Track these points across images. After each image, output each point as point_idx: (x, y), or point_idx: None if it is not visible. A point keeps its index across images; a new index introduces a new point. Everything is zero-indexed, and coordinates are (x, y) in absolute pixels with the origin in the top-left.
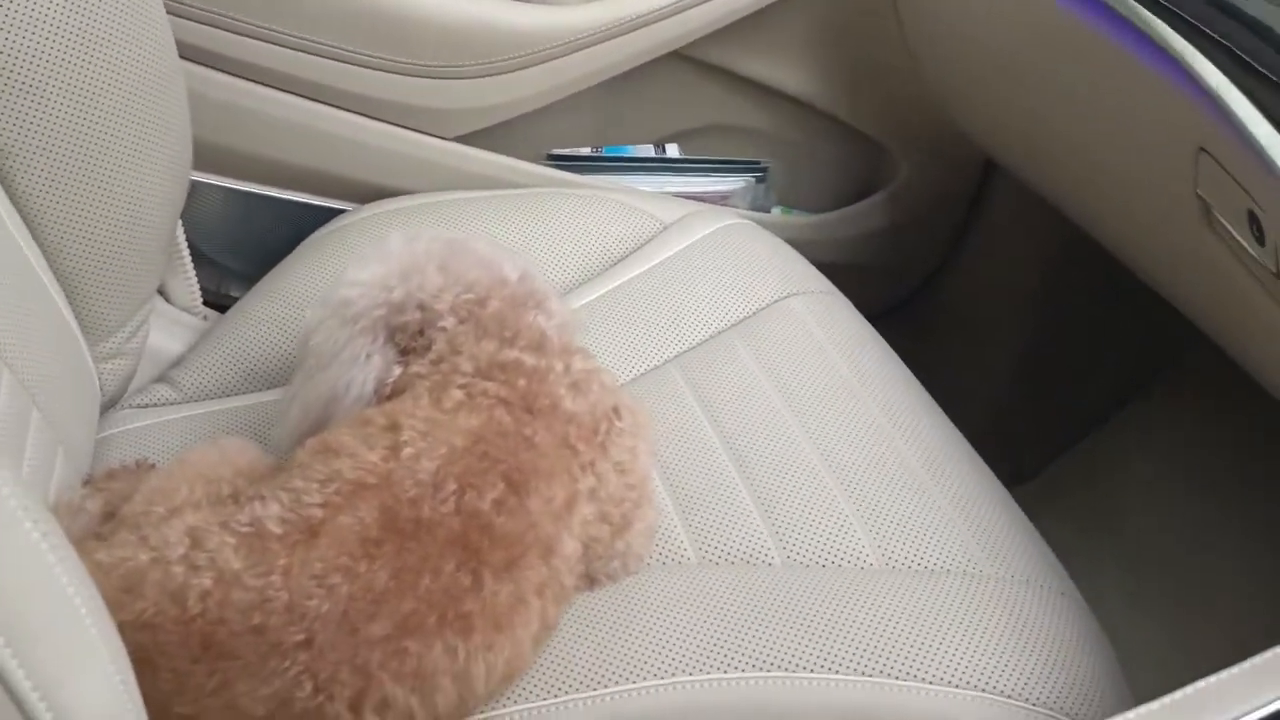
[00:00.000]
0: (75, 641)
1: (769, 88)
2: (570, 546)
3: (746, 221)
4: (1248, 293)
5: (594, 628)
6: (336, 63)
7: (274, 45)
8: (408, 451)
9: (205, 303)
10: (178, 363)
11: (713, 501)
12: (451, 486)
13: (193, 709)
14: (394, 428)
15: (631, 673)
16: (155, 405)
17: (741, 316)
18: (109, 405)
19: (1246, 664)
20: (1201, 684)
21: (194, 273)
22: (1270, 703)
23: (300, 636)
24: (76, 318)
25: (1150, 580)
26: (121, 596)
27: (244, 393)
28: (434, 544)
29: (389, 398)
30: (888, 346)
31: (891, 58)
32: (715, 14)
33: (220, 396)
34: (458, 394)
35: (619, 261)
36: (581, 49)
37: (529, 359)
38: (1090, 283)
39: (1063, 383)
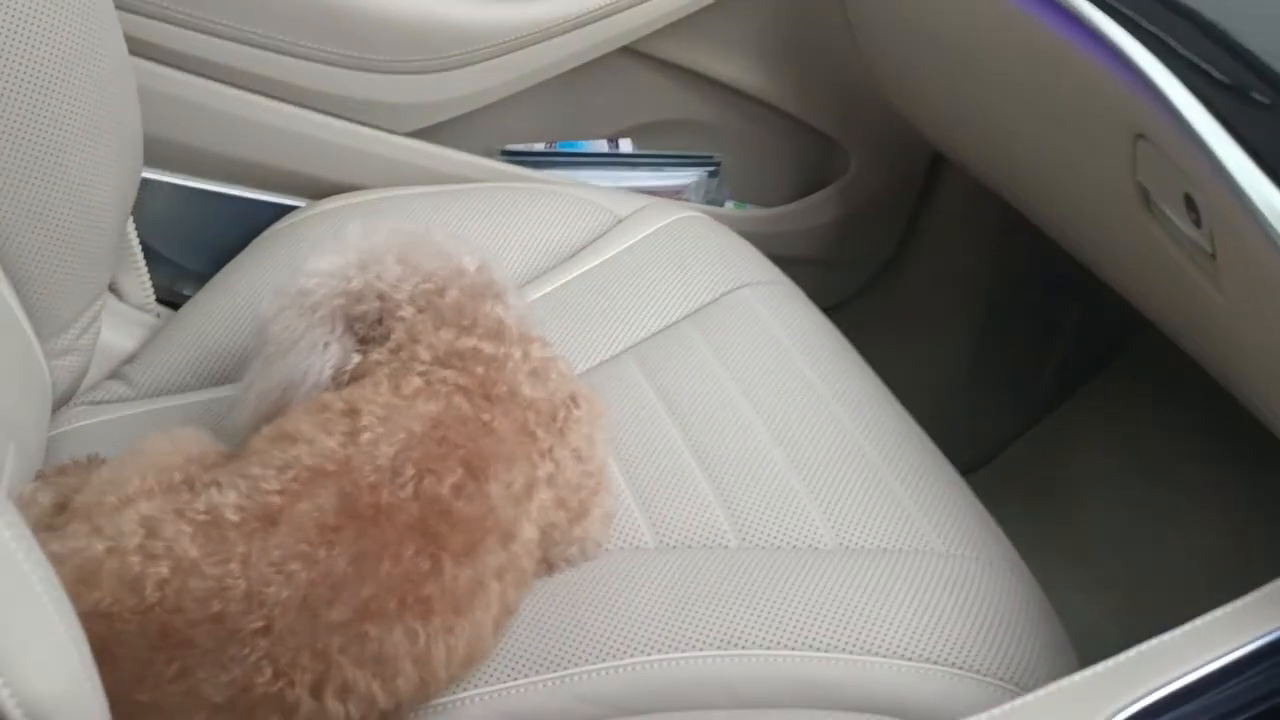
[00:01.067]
0: (33, 620)
1: (721, 83)
2: (529, 531)
3: (700, 215)
4: (1187, 276)
5: (554, 611)
6: (289, 58)
7: (225, 40)
8: (366, 437)
9: (158, 300)
10: (131, 359)
11: (670, 488)
12: (410, 472)
13: (152, 696)
14: (352, 413)
15: (592, 654)
16: (109, 402)
17: (696, 307)
18: (61, 402)
19: (1184, 628)
20: (1137, 649)
21: (146, 270)
22: (1209, 662)
23: (259, 623)
24: (27, 313)
25: (1100, 564)
26: (77, 587)
27: (198, 388)
28: (393, 529)
29: (347, 385)
30: (841, 335)
31: (840, 52)
32: (666, 9)
33: (174, 392)
34: (417, 381)
35: (574, 255)
36: (534, 44)
37: (487, 347)
38: (1038, 271)
39: (1013, 370)
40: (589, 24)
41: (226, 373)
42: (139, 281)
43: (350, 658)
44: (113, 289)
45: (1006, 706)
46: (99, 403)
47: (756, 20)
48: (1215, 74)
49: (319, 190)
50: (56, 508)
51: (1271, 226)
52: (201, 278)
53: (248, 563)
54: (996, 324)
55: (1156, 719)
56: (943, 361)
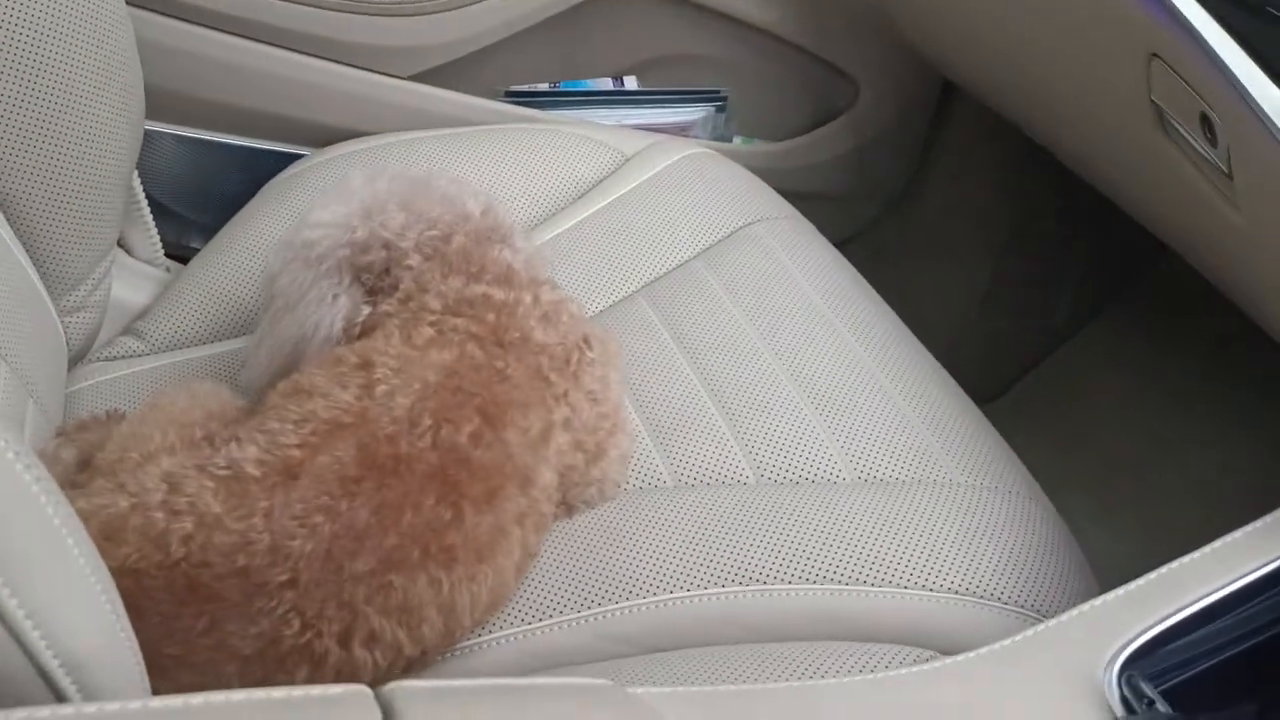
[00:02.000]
0: (67, 573)
1: (726, 15)
2: (547, 476)
3: (708, 151)
4: (1203, 196)
5: (576, 553)
6: (289, 4)
7: None
8: (381, 389)
9: (167, 254)
10: (143, 314)
11: (686, 426)
12: (427, 422)
13: (182, 650)
14: (366, 366)
15: (614, 593)
16: (123, 357)
17: (707, 244)
18: (76, 359)
19: (1206, 548)
20: (1157, 572)
21: (154, 224)
22: (1230, 583)
23: (285, 576)
24: (38, 271)
25: (1120, 490)
26: (104, 544)
27: (211, 341)
28: (413, 479)
29: (359, 338)
30: (854, 269)
31: None
32: None
33: (187, 346)
34: (428, 331)
35: (582, 195)
36: None
37: (497, 293)
38: (1052, 198)
39: (1028, 300)
40: None
41: (239, 324)
42: (147, 236)
43: (376, 607)
44: (121, 244)
45: (1029, 632)
46: (113, 358)
47: None
48: None
49: (323, 138)
50: (80, 464)
51: None
52: (209, 230)
53: (270, 516)
54: (1010, 253)
55: (1177, 640)
56: (957, 292)
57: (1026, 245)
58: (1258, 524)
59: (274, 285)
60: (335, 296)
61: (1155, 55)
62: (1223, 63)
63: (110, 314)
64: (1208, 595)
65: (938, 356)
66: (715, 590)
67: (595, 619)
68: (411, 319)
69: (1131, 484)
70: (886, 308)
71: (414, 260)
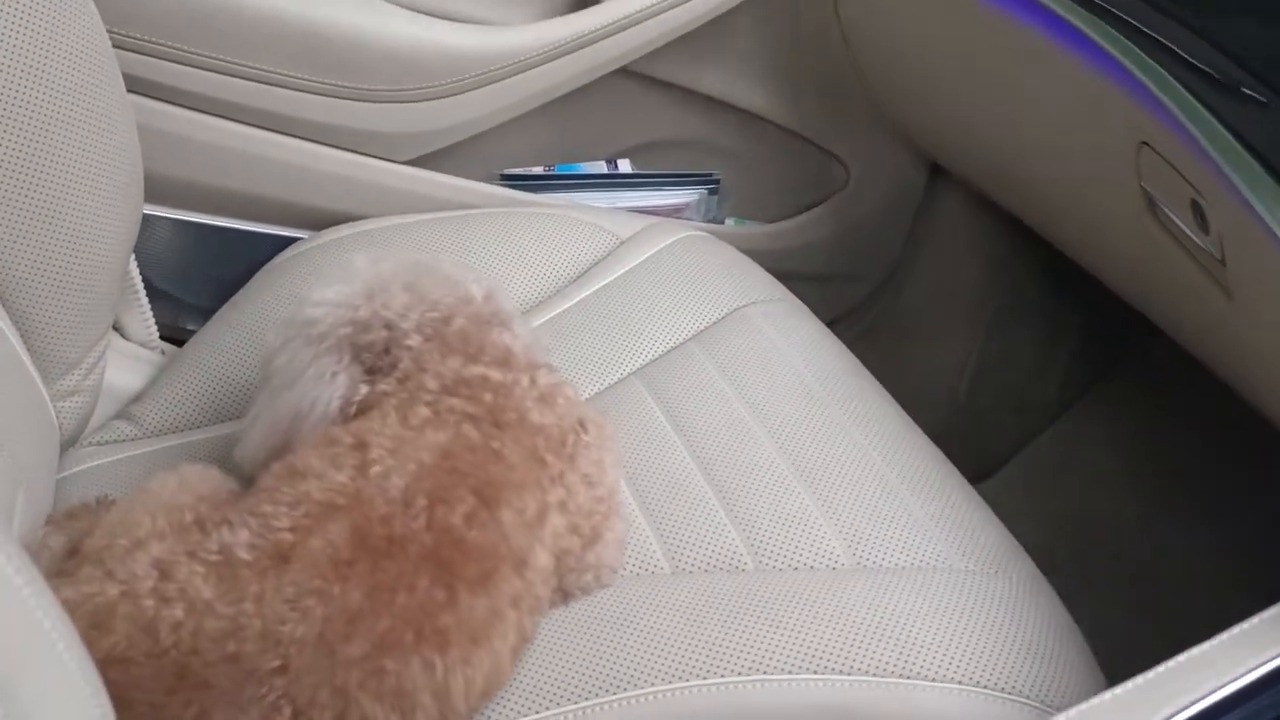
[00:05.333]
0: (55, 677)
1: (717, 100)
2: (543, 558)
3: (701, 233)
4: (1195, 281)
5: (573, 640)
6: (286, 90)
7: (222, 75)
8: (376, 470)
9: (162, 337)
10: (137, 398)
11: (683, 511)
12: (422, 502)
13: None
14: (361, 446)
15: (612, 685)
16: (116, 442)
17: (701, 327)
18: (69, 444)
19: (1216, 639)
20: (1172, 662)
21: (149, 307)
22: (1243, 674)
23: (276, 662)
24: (31, 355)
25: (1116, 571)
26: (91, 633)
27: (205, 425)
28: (407, 561)
29: (355, 417)
30: (846, 349)
31: (836, 67)
32: (658, 30)
33: (181, 430)
34: (424, 411)
35: (577, 278)
36: (529, 69)
37: (495, 374)
38: (1040, 278)
39: (1019, 378)
40: (584, 47)
41: (233, 408)
42: (142, 319)
43: (369, 693)
44: (116, 327)
45: None
46: (106, 443)
47: (751, 37)
48: (1216, 78)
49: (320, 221)
50: (68, 553)
51: None
52: (205, 313)
53: (262, 601)
54: (1000, 333)
55: None
56: (947, 372)
57: (1015, 324)
58: (1266, 614)
59: (272, 362)
60: (334, 374)
61: (1145, 143)
62: (1210, 153)
63: (104, 398)
64: (1220, 688)
65: (929, 435)
66: (715, 680)
67: (591, 711)
68: (409, 399)
69: (1124, 564)
70: (879, 388)
71: (414, 340)
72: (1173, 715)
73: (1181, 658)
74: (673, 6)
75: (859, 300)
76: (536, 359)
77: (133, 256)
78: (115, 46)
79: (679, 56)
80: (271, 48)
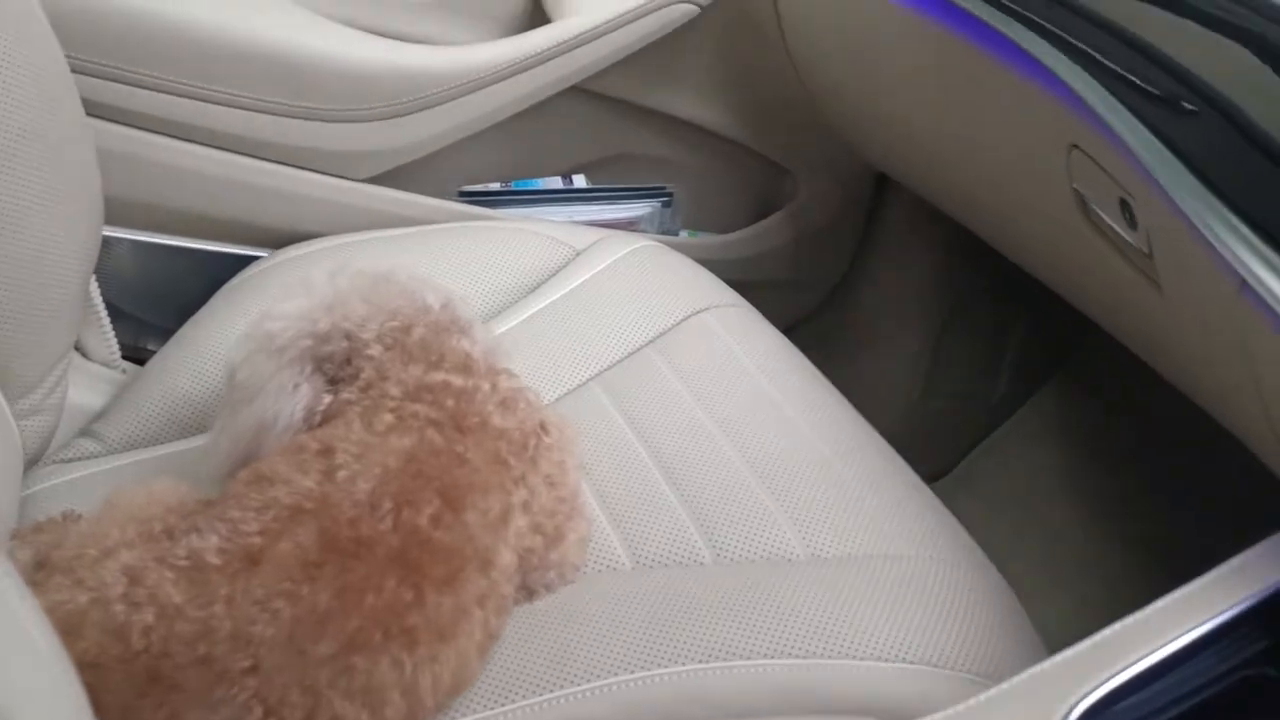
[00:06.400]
0: (35, 675)
1: (669, 116)
2: (507, 558)
3: (656, 244)
4: (1126, 276)
5: (537, 636)
6: (243, 111)
7: (180, 98)
8: (343, 474)
9: (124, 357)
10: (100, 416)
11: (643, 509)
12: (388, 505)
13: None
14: (327, 452)
15: (578, 675)
16: (79, 459)
17: (657, 333)
18: (32, 462)
19: (1145, 610)
20: (1105, 632)
21: (110, 327)
22: (1167, 643)
23: (247, 663)
24: None
25: (1065, 561)
26: (62, 639)
27: (169, 441)
28: (375, 562)
29: (319, 426)
30: (799, 352)
31: (783, 81)
32: (609, 48)
33: (145, 446)
34: (388, 417)
35: (535, 289)
36: (485, 87)
37: (456, 380)
38: (987, 281)
39: (969, 378)
40: (537, 65)
41: (196, 424)
42: (104, 339)
43: (339, 691)
44: (78, 347)
45: (981, 697)
46: (70, 460)
47: (700, 54)
48: (1143, 85)
49: (279, 240)
50: (36, 564)
51: (1203, 225)
52: (166, 332)
53: (232, 603)
54: (949, 335)
55: (1122, 701)
56: (899, 374)
57: (964, 326)
58: (1192, 585)
59: (235, 376)
60: (296, 386)
61: (1075, 146)
62: (1137, 155)
63: (67, 416)
64: (1152, 653)
65: (884, 436)
66: (677, 668)
67: (557, 702)
68: (372, 406)
69: (1075, 556)
70: (831, 388)
71: (375, 350)
72: (1100, 684)
73: (1110, 630)
74: (621, 26)
75: (812, 307)
76: (497, 364)
77: (94, 277)
78: (73, 70)
79: (630, 74)
80: (230, 70)
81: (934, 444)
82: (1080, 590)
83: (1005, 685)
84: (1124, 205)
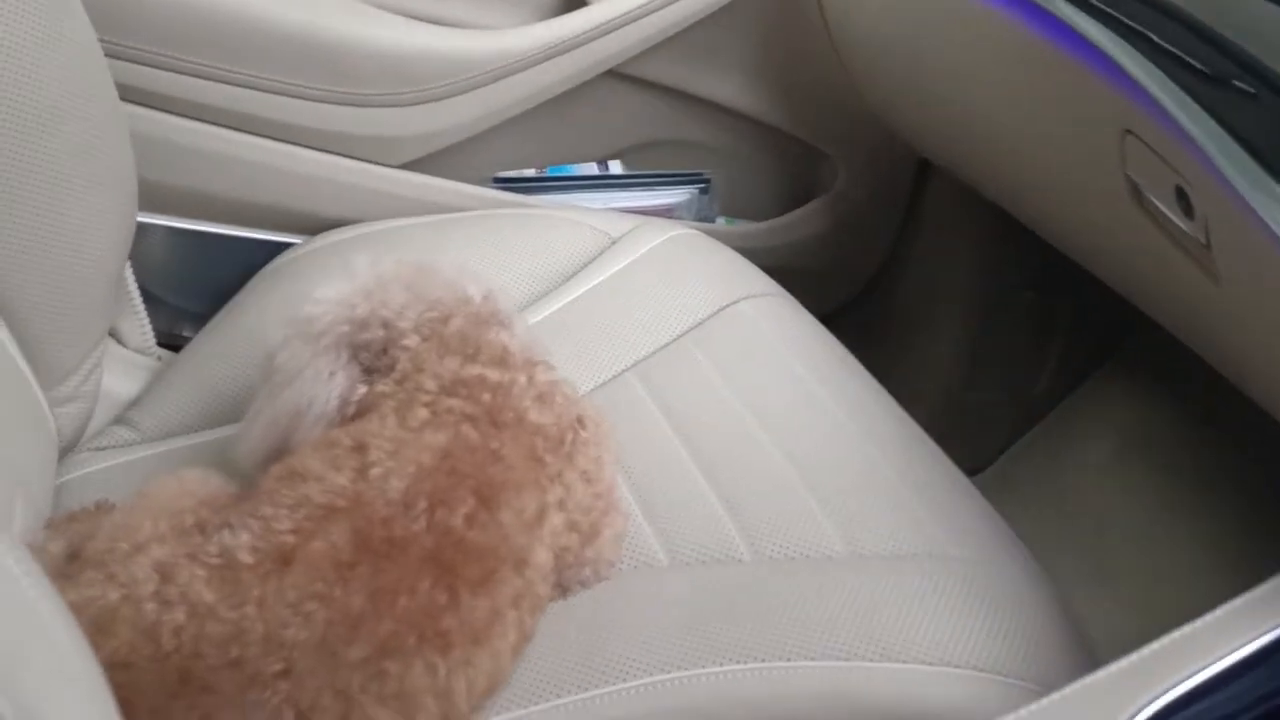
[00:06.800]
0: (58, 669)
1: (707, 100)
2: (542, 557)
3: (693, 231)
4: (1180, 267)
5: (572, 634)
6: (279, 96)
7: (215, 82)
8: (376, 472)
9: (159, 343)
10: (135, 404)
11: (680, 504)
12: (422, 504)
13: None
14: (361, 449)
15: (612, 675)
16: (114, 447)
17: (695, 323)
18: (67, 449)
19: (1207, 617)
20: (1160, 642)
21: (145, 314)
22: (1231, 652)
23: (279, 666)
24: (29, 363)
25: (1110, 559)
26: (94, 637)
27: (203, 429)
28: (408, 563)
29: (354, 417)
30: (838, 342)
31: (824, 64)
32: (647, 31)
33: (180, 434)
34: (423, 412)
35: (571, 277)
36: (520, 72)
37: (492, 374)
38: (1030, 270)
39: (1012, 371)
40: (573, 49)
41: (230, 412)
42: (139, 326)
43: (371, 696)
44: (113, 334)
45: (1033, 706)
46: (104, 448)
47: (739, 37)
48: (1199, 67)
49: (314, 226)
50: (69, 556)
51: (1265, 214)
52: (201, 319)
53: (264, 605)
54: (992, 325)
55: (1181, 712)
56: (941, 365)
57: (1007, 317)
58: (1256, 591)
59: (273, 360)
60: (332, 373)
61: (1129, 131)
62: (1194, 139)
63: (101, 404)
64: (1212, 664)
65: (923, 429)
66: (714, 669)
67: (592, 702)
68: (407, 400)
69: (1119, 552)
70: (872, 381)
71: (411, 340)
72: (1161, 694)
73: (1168, 639)
74: (660, 8)
75: (852, 296)
76: (534, 357)
77: (128, 264)
78: (108, 55)
79: (668, 57)
80: (264, 55)
81: (975, 436)
82: (1126, 590)
83: (1058, 695)
84: (1180, 193)
